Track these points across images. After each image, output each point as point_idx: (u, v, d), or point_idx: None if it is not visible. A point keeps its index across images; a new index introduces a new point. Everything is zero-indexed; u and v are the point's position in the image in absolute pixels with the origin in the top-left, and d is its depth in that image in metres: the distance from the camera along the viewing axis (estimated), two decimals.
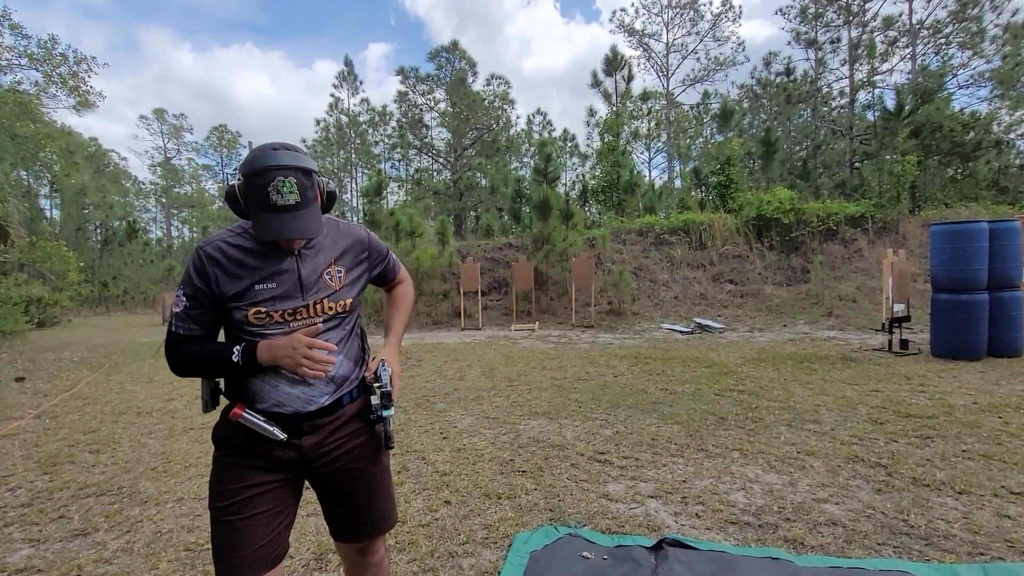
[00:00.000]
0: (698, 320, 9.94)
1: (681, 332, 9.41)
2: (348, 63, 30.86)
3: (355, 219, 32.58)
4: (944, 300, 6.21)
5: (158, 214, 44.13)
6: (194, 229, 43.33)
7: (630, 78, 16.92)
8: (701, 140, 32.93)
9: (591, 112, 20.94)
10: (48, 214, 33.89)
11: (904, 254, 6.99)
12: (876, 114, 17.58)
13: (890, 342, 6.79)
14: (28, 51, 14.21)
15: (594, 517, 2.57)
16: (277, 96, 73.76)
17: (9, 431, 4.37)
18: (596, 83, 17.03)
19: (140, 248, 31.44)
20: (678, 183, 29.06)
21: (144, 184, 42.45)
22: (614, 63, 16.75)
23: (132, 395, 5.70)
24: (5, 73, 14.20)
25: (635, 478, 3.04)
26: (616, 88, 17.28)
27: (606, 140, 16.32)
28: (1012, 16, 15.77)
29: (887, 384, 5.06)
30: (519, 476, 3.11)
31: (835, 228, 12.14)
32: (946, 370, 5.62)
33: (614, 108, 17.21)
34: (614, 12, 31.13)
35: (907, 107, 13.05)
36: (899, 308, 6.88)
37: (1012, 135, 17.37)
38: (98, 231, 34.77)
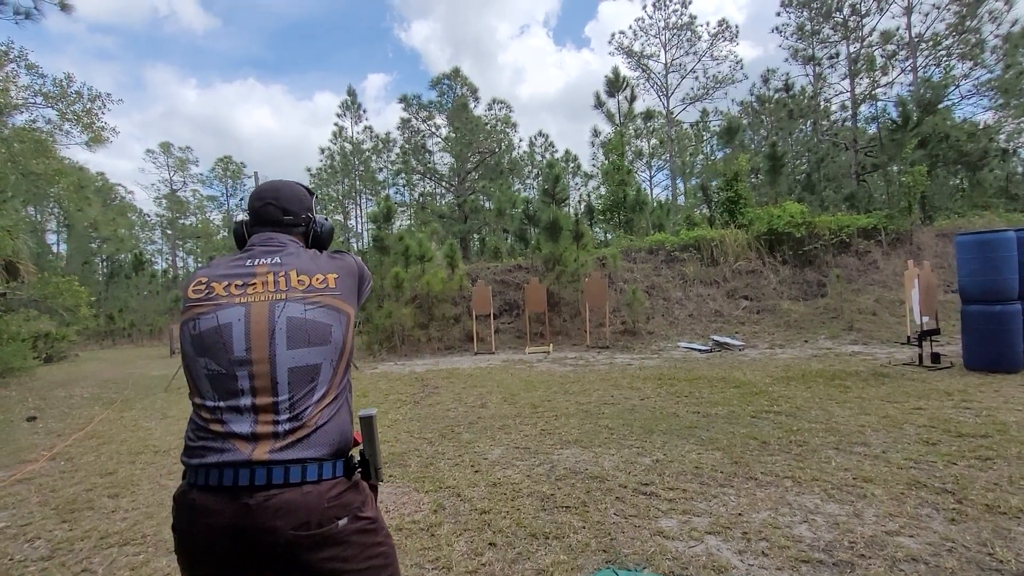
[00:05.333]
0: (716, 337, 9.77)
1: (700, 350, 9.24)
2: (351, 92, 31.34)
3: (359, 245, 32.70)
4: (976, 311, 6.05)
5: (163, 245, 44.46)
6: (199, 260, 43.52)
7: (632, 98, 17.09)
8: (701, 157, 33.19)
9: (596, 132, 21.15)
10: (55, 249, 34.18)
11: (929, 266, 6.86)
12: (879, 126, 17.66)
13: (920, 356, 6.61)
14: (43, 90, 14.51)
15: (653, 558, 2.40)
16: (279, 128, 74.97)
17: (24, 475, 4.23)
18: (599, 104, 17.23)
19: (147, 280, 31.50)
20: (680, 200, 29.17)
21: (150, 216, 42.88)
22: (616, 84, 16.96)
23: (148, 433, 5.55)
24: (21, 112, 14.46)
25: (687, 512, 2.87)
26: (619, 108, 17.45)
27: (611, 159, 16.41)
28: (1012, 27, 15.95)
29: (928, 401, 4.88)
30: (563, 512, 2.95)
31: (848, 241, 12.03)
32: (985, 384, 5.43)
33: (618, 128, 17.34)
34: (613, 34, 31.72)
35: (913, 118, 13.07)
36: (926, 321, 6.71)
37: (1013, 143, 17.39)
38: (104, 264, 34.94)
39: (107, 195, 36.47)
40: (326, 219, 1.43)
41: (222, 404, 1.07)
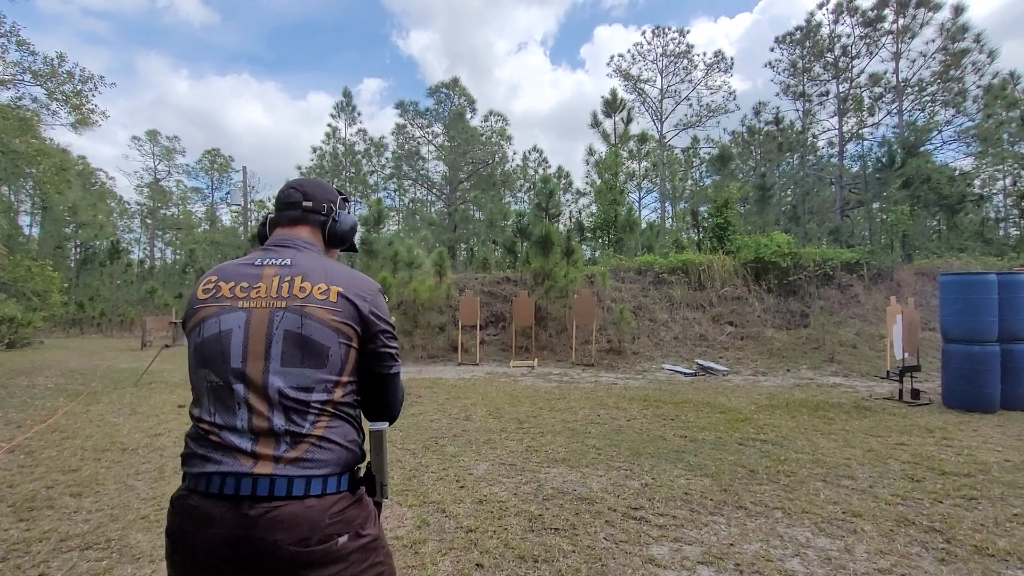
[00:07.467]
0: (700, 361, 9.81)
1: (684, 374, 9.26)
2: (347, 94, 31.23)
3: None
4: (956, 351, 6.17)
5: (141, 235, 43.38)
6: (178, 251, 42.55)
7: (628, 120, 17.37)
8: (690, 182, 33.78)
9: (591, 151, 21.41)
10: (27, 231, 33.08)
11: (913, 303, 7.00)
12: (863, 165, 18.19)
13: (900, 391, 6.71)
14: (33, 67, 14.08)
15: None
16: (270, 125, 74.36)
17: None
18: (596, 123, 17.43)
19: (121, 269, 30.58)
20: (668, 223, 29.57)
21: (130, 204, 41.85)
22: (613, 105, 17.22)
23: (115, 429, 5.31)
24: (8, 88, 14.01)
25: (678, 539, 2.81)
26: (615, 129, 17.69)
27: (605, 178, 16.57)
28: (992, 79, 16.69)
29: (910, 437, 4.93)
30: (552, 535, 2.87)
31: (831, 273, 12.27)
32: (964, 423, 5.52)
33: (613, 147, 17.57)
34: (612, 56, 32.30)
35: (898, 159, 13.48)
36: (907, 357, 6.83)
37: (988, 190, 18.08)
38: (77, 250, 33.88)
39: (87, 179, 35.52)
40: (348, 213, 1.37)
41: (219, 420, 1.03)
